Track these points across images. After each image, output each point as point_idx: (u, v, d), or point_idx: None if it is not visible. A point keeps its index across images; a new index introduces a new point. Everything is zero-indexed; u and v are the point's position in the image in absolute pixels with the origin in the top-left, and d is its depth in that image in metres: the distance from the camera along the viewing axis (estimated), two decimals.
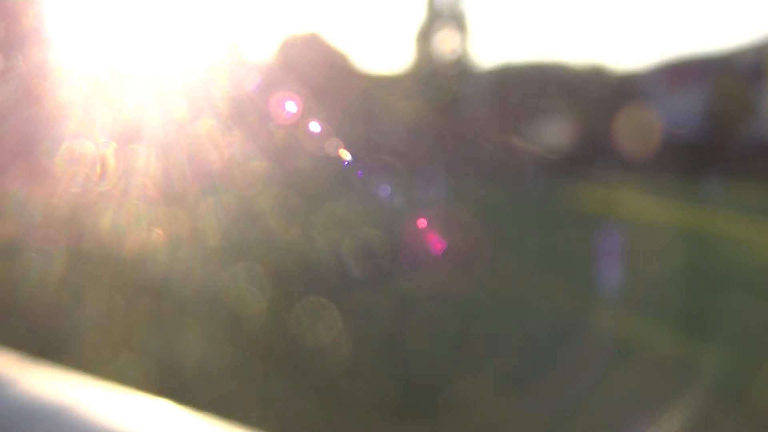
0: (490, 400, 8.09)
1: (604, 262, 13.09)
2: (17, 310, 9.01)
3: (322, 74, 30.02)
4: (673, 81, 37.95)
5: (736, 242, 18.03)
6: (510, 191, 27.58)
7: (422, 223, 11.21)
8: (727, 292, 12.88)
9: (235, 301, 9.96)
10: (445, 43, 39.30)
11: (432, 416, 7.95)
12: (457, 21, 39.70)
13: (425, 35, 39.51)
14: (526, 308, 12.25)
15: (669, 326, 11.22)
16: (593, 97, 37.36)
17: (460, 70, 39.43)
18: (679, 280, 13.22)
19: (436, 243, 10.56)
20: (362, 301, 10.81)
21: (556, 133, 35.57)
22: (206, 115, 12.76)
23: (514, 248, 16.64)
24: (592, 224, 15.51)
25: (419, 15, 50.07)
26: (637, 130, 36.46)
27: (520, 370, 9.18)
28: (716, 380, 9.04)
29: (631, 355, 9.91)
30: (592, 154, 34.00)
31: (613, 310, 12.22)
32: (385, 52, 71.56)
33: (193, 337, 8.95)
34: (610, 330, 10.96)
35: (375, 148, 26.76)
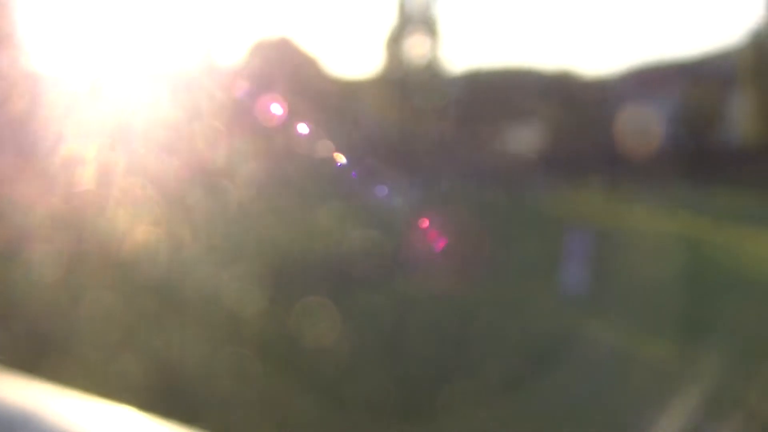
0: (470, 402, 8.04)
1: (572, 265, 13.11)
2: (13, 312, 9.00)
3: (293, 79, 29.94)
4: (643, 86, 38.06)
5: (703, 245, 18.09)
6: (478, 195, 27.57)
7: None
8: (695, 294, 12.90)
9: (230, 302, 9.93)
10: (416, 48, 39.28)
11: (389, 415, 7.92)
12: (428, 26, 39.68)
13: (396, 40, 39.47)
14: (493, 312, 12.26)
15: (635, 328, 11.27)
16: (563, 102, 37.42)
17: (431, 74, 39.40)
18: (647, 283, 13.25)
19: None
20: (348, 301, 10.80)
21: (525, 137, 35.62)
22: (179, 119, 12.67)
23: (484, 251, 16.62)
24: (561, 228, 15.55)
25: (390, 20, 50.12)
26: (606, 135, 36.55)
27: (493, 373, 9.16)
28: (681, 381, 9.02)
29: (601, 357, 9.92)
30: (562, 158, 34.04)
31: (581, 312, 12.25)
32: (356, 56, 71.54)
33: (189, 337, 8.94)
34: (577, 333, 10.96)
35: (344, 152, 26.62)
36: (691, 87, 37.32)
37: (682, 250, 17.12)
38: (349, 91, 35.35)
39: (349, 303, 10.70)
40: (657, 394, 8.28)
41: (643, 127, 35.95)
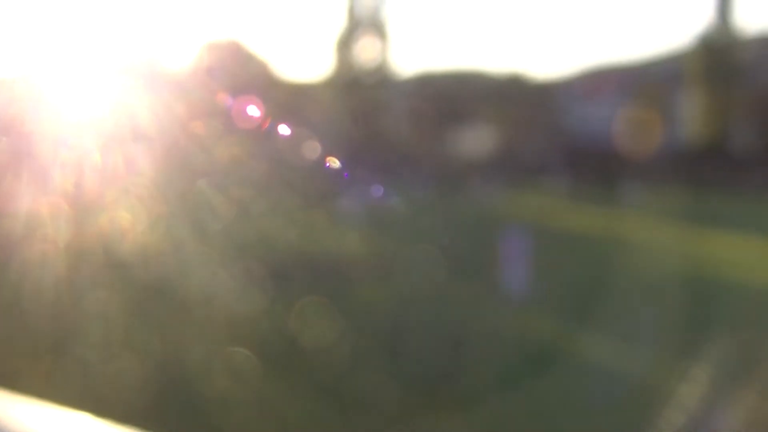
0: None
1: (511, 264, 13.22)
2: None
3: (243, 82, 29.86)
4: (592, 89, 38.29)
5: (644, 244, 18.22)
6: (425, 196, 27.62)
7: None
8: (630, 290, 13.04)
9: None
10: (366, 51, 39.32)
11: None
12: (378, 29, 39.73)
13: (345, 43, 39.49)
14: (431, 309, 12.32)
15: (568, 324, 11.40)
16: (512, 104, 37.58)
17: (381, 77, 39.46)
18: (581, 280, 13.40)
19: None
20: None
21: (475, 140, 35.69)
22: (123, 124, 12.63)
23: (427, 251, 16.69)
24: (505, 229, 15.66)
25: (339, 23, 50.13)
26: (556, 138, 36.75)
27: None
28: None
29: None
30: (511, 161, 34.18)
31: (516, 309, 12.34)
32: (305, 59, 71.45)
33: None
34: (511, 329, 11.05)
35: (294, 155, 26.61)
36: (640, 89, 37.57)
37: (623, 249, 17.27)
38: (300, 94, 35.30)
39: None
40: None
41: (593, 129, 36.17)
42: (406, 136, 36.38)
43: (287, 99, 32.78)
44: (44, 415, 2.96)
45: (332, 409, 8.17)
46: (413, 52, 66.57)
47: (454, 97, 37.79)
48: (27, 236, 11.12)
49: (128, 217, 12.55)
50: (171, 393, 7.91)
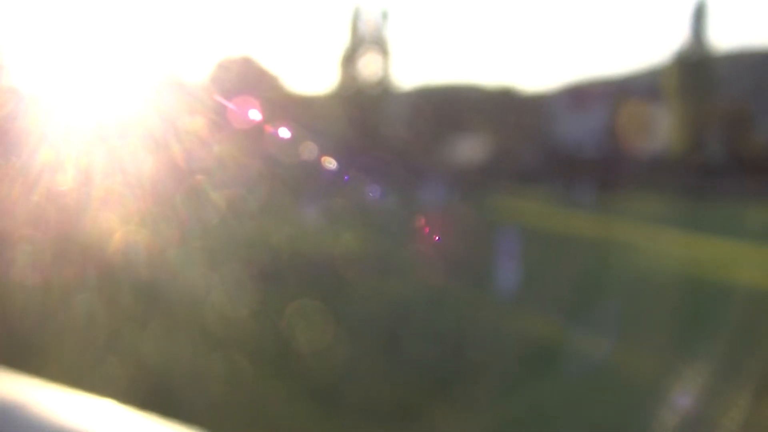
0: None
1: (503, 265, 13.36)
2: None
3: (255, 94, 29.96)
4: (576, 102, 38.42)
5: (625, 247, 18.35)
6: (425, 203, 27.72)
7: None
8: (613, 291, 13.14)
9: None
10: (368, 66, 39.42)
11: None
12: (380, 45, 39.83)
13: (349, 59, 39.59)
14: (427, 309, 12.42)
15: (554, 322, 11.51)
16: (503, 115, 37.68)
17: (382, 91, 39.55)
18: (566, 281, 13.51)
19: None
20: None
21: (469, 149, 35.79)
22: (144, 134, 12.69)
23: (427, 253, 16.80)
24: (496, 231, 15.77)
25: (343, 40, 50.21)
26: (543, 147, 36.87)
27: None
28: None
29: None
30: (502, 168, 34.29)
31: (509, 308, 12.46)
32: (312, 74, 71.55)
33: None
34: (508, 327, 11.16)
35: (298, 164, 26.69)
36: (621, 102, 37.68)
37: (604, 250, 17.41)
38: (307, 105, 35.42)
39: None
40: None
41: (578, 138, 36.29)
42: (406, 144, 36.48)
43: (296, 110, 32.89)
44: (64, 400, 3.03)
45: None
46: (413, 66, 66.72)
47: (450, 108, 37.88)
48: (50, 244, 11.19)
49: (144, 224, 12.63)
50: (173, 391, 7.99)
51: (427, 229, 19.34)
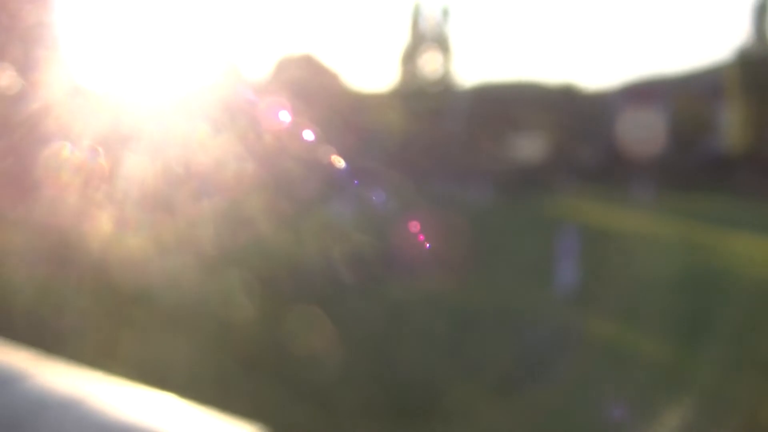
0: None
1: (566, 264, 13.29)
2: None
3: (316, 92, 30.05)
4: (637, 100, 38.08)
5: (690, 247, 18.16)
6: (485, 200, 27.69)
7: (412, 227, 11.16)
8: (678, 292, 13.02)
9: (226, 307, 9.74)
10: (429, 63, 39.39)
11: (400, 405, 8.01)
12: (440, 43, 39.78)
13: (410, 56, 39.59)
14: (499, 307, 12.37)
15: (620, 323, 11.42)
16: (564, 114, 37.49)
17: (443, 88, 39.52)
18: (630, 281, 13.40)
19: (422, 244, 10.54)
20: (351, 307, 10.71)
21: (530, 147, 35.67)
22: (206, 131, 12.71)
23: (491, 251, 16.77)
24: (559, 231, 15.63)
25: (404, 37, 50.23)
26: (605, 144, 36.60)
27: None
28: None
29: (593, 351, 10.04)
30: (563, 167, 34.13)
31: (573, 308, 12.38)
32: (373, 71, 71.66)
33: (179, 344, 8.82)
34: (573, 327, 11.08)
35: (363, 161, 26.75)
36: (683, 100, 37.33)
37: (670, 251, 17.23)
38: (367, 103, 35.46)
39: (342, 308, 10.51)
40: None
41: (639, 137, 35.98)
42: (466, 142, 36.41)
43: (356, 108, 32.94)
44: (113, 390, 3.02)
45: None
46: (473, 63, 66.57)
47: (511, 106, 37.77)
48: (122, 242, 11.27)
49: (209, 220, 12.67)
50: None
51: (488, 229, 19.29)
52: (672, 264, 15.78)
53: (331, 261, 12.75)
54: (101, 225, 11.11)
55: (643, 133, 36.18)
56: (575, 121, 37.42)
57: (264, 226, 14.01)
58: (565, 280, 13.19)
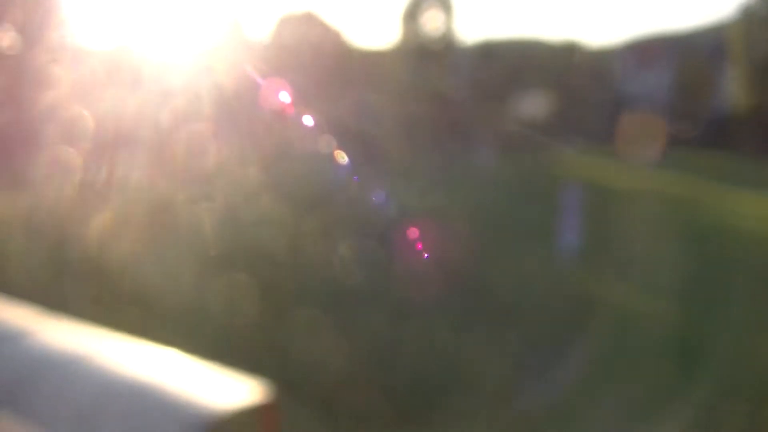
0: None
1: (569, 220, 13.32)
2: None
3: (318, 50, 30.00)
4: (642, 57, 37.97)
5: (691, 204, 18.19)
6: (488, 159, 27.66)
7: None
8: (680, 248, 13.06)
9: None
10: (431, 21, 39.23)
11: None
12: (442, 1, 39.60)
13: (412, 14, 39.41)
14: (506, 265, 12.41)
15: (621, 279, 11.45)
16: (568, 71, 37.38)
17: (445, 46, 39.37)
18: (633, 237, 13.43)
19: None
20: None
21: (533, 105, 35.60)
22: (208, 93, 12.67)
23: (498, 209, 16.82)
24: (563, 189, 15.65)
25: None
26: (608, 102, 36.53)
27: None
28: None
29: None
30: (566, 124, 34.06)
31: (578, 267, 12.41)
32: (375, 29, 71.38)
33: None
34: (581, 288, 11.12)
35: (365, 118, 26.76)
36: (687, 58, 37.21)
37: (671, 208, 17.25)
38: (369, 61, 35.36)
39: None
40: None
41: (642, 94, 35.91)
42: (469, 100, 36.35)
43: (358, 66, 32.85)
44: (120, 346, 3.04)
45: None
46: (476, 21, 66.31)
47: (514, 63, 37.66)
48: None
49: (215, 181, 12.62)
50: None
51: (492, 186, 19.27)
52: (674, 221, 15.81)
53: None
54: (101, 183, 11.08)
55: (647, 90, 36.11)
56: (578, 79, 37.31)
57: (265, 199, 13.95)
58: (569, 238, 13.23)
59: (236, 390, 2.81)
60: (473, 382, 7.92)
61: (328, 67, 29.04)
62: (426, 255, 11.53)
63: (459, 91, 37.42)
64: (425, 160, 23.12)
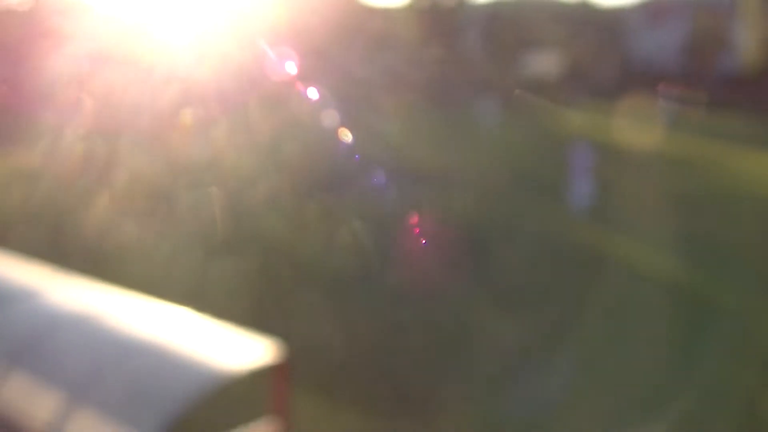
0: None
1: (580, 179, 13.31)
2: None
3: (329, 8, 29.81)
4: (654, 17, 37.76)
5: (703, 164, 18.14)
6: (500, 116, 27.52)
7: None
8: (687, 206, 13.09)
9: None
10: None
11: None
12: None
13: None
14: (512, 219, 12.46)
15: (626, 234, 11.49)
16: (580, 30, 37.17)
17: (457, 3, 39.15)
18: (639, 193, 13.44)
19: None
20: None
21: (545, 63, 35.44)
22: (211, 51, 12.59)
23: (510, 160, 16.84)
24: (571, 145, 15.62)
25: None
26: (620, 61, 36.38)
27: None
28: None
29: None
30: (579, 83, 33.91)
31: (588, 222, 12.44)
32: None
33: None
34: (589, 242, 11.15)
35: (378, 74, 26.70)
36: (700, 17, 36.98)
37: (682, 168, 17.22)
38: (381, 19, 35.22)
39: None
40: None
41: (654, 53, 35.75)
42: (481, 59, 36.22)
43: (369, 23, 32.73)
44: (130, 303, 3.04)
45: None
46: None
47: (526, 22, 37.46)
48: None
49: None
50: None
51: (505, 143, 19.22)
52: (684, 180, 15.79)
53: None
54: (105, 136, 11.07)
55: (659, 50, 35.95)
56: (591, 38, 37.13)
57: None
58: (579, 196, 13.22)
59: (248, 350, 2.83)
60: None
61: (340, 24, 28.95)
62: (436, 214, 11.55)
63: (471, 49, 37.27)
64: (436, 119, 23.05)
